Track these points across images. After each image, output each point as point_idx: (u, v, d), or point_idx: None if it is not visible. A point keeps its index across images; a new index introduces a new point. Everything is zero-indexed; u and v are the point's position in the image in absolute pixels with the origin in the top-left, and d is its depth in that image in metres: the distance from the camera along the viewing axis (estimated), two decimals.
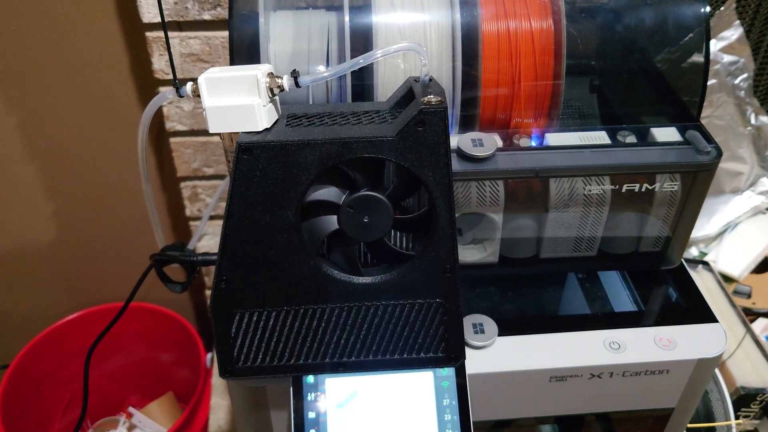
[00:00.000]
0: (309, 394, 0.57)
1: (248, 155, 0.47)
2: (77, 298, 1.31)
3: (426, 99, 0.47)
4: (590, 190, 0.61)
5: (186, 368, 1.37)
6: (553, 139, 0.62)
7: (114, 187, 1.20)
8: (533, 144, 0.62)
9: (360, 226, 0.51)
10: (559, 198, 0.61)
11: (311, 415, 0.56)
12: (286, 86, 0.49)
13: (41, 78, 1.05)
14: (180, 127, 0.99)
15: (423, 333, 0.54)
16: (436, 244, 0.51)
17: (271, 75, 0.49)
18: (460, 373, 0.57)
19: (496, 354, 0.60)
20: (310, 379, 0.57)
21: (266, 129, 0.49)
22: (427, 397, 0.57)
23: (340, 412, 0.57)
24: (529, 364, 0.60)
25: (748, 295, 1.09)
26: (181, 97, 0.50)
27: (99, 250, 1.28)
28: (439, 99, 0.47)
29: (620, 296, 0.70)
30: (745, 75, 1.11)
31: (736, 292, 1.09)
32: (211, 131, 0.49)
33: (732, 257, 1.13)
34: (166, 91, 0.52)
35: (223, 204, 1.09)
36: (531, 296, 0.71)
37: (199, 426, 1.19)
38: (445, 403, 0.57)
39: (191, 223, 1.11)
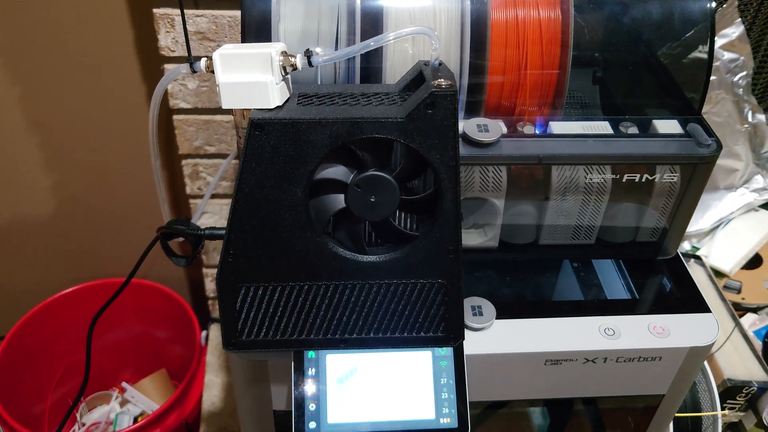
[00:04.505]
0: (310, 368, 0.58)
1: (260, 131, 0.48)
2: (74, 273, 1.32)
3: (436, 82, 0.48)
4: (591, 179, 0.62)
5: (180, 346, 1.38)
6: (557, 127, 0.63)
7: (114, 162, 1.20)
8: (537, 132, 0.63)
9: (366, 206, 0.52)
10: (560, 185, 0.62)
11: (311, 389, 0.57)
12: (299, 65, 0.50)
13: (44, 51, 1.05)
14: (184, 105, 0.99)
15: (424, 312, 0.56)
16: (441, 226, 0.52)
17: (284, 53, 0.49)
18: (458, 353, 0.58)
19: (494, 336, 0.61)
20: (312, 354, 0.58)
21: (278, 106, 0.50)
22: (425, 375, 0.58)
23: (339, 387, 0.58)
24: (525, 347, 0.61)
25: (738, 291, 1.11)
26: (194, 72, 0.51)
27: (97, 225, 1.28)
28: (450, 82, 0.48)
29: (615, 284, 0.72)
30: (744, 73, 1.13)
31: (726, 287, 1.11)
32: (224, 107, 0.49)
33: (724, 253, 1.15)
34: (180, 66, 0.52)
35: (224, 183, 1.10)
36: (529, 281, 0.72)
37: (192, 402, 1.21)
38: (442, 382, 0.58)
39: (191, 201, 1.11)
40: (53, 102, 1.12)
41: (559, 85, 0.63)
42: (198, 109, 1.00)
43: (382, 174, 0.51)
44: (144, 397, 1.45)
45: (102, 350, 1.43)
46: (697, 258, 1.12)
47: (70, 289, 1.29)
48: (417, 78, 0.53)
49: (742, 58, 1.11)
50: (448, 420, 0.58)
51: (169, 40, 0.92)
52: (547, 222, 0.65)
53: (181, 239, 0.63)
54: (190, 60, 0.51)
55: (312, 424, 0.57)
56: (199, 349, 1.25)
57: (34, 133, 1.15)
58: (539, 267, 0.73)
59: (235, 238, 0.52)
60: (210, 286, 1.24)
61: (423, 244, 0.53)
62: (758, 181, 1.20)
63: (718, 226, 1.19)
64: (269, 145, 0.49)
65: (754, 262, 1.16)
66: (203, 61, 0.51)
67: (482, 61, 0.62)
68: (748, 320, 1.06)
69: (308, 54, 0.50)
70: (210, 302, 1.27)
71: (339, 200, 0.53)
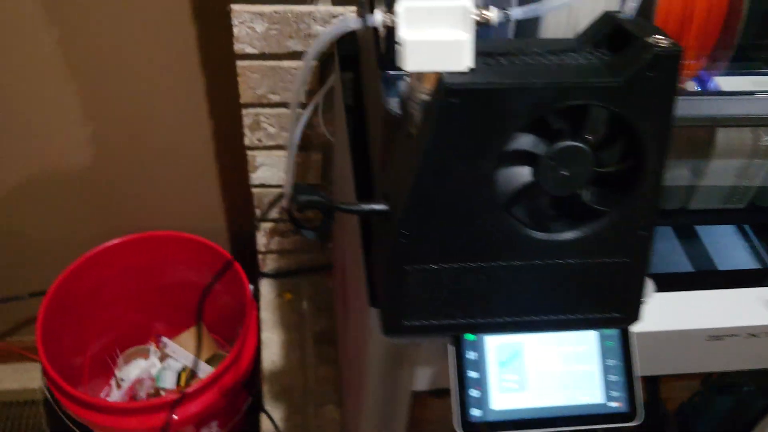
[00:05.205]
0: (470, 352, 0.53)
1: (457, 98, 0.42)
2: (114, 225, 1.25)
3: (655, 39, 0.42)
4: (761, 141, 0.57)
5: (223, 300, 1.34)
6: (725, 83, 0.57)
7: (154, 111, 1.12)
8: (698, 88, 0.58)
9: (557, 179, 0.46)
10: (726, 148, 0.57)
11: (473, 374, 0.53)
12: (495, 20, 0.43)
13: None
14: (250, 50, 0.91)
15: (602, 292, 0.51)
16: (638, 201, 0.47)
17: (479, 7, 0.43)
18: (626, 332, 0.54)
19: (654, 312, 0.57)
20: (472, 336, 0.53)
21: (471, 69, 0.43)
22: (591, 356, 0.54)
23: (502, 371, 0.54)
24: (686, 323, 0.57)
25: None
26: (367, 27, 0.44)
27: (137, 176, 1.21)
28: (672, 40, 0.42)
29: (741, 252, 0.68)
30: None
31: None
32: (407, 69, 0.43)
33: None
34: (348, 19, 0.45)
35: (285, 133, 1.02)
36: (680, 250, 0.68)
37: (247, 361, 1.17)
38: (610, 364, 0.54)
39: (249, 152, 1.04)
40: (94, 46, 1.03)
41: (727, 35, 0.57)
42: (265, 55, 0.92)
43: (579, 145, 0.45)
44: (184, 351, 1.41)
45: (139, 304, 1.38)
46: None
47: (113, 242, 1.23)
48: (613, 33, 0.47)
49: None
50: (618, 404, 0.54)
51: None
52: (704, 183, 0.60)
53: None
54: (365, 10, 0.44)
55: (476, 412, 0.53)
56: (250, 305, 1.20)
57: (71, 80, 1.06)
58: (691, 233, 0.68)
59: (412, 217, 0.46)
60: (262, 240, 1.19)
61: (614, 221, 0.48)
62: None
63: None
64: (464, 113, 0.43)
65: None
66: (379, 13, 0.44)
67: (647, 12, 0.56)
68: None
69: (504, 7, 0.43)
70: (260, 257, 1.22)
71: (525, 173, 0.47)
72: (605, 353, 0.54)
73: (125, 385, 1.37)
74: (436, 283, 0.49)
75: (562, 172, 0.46)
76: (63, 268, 1.19)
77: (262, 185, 1.09)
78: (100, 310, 1.31)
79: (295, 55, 0.93)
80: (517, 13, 0.43)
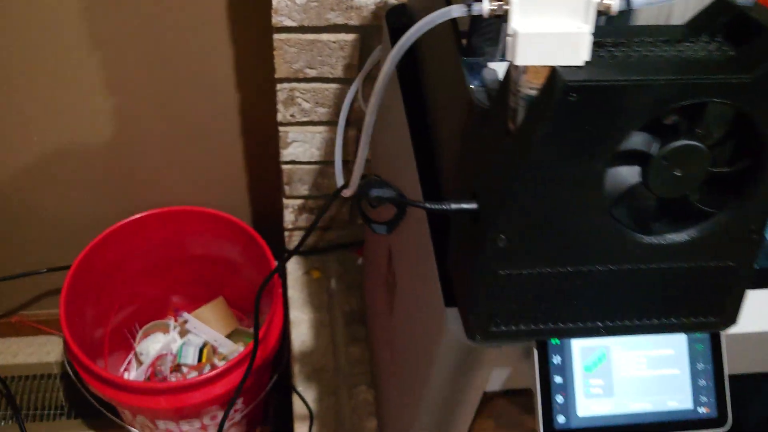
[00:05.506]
0: (555, 356, 0.51)
1: (575, 95, 0.39)
2: (136, 200, 1.22)
3: None
4: None
5: (245, 275, 1.32)
6: None
7: (181, 84, 1.07)
8: None
9: (669, 180, 0.43)
10: None
11: (558, 379, 0.51)
12: (615, 9, 0.39)
13: None
14: (288, 23, 0.87)
15: (701, 296, 0.48)
16: (752, 203, 0.44)
17: None
18: (717, 334, 0.52)
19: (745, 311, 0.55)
20: (556, 340, 0.51)
21: (587, 62, 0.40)
22: (680, 360, 0.52)
23: (588, 376, 0.51)
24: None
25: None
26: (471, 15, 0.40)
27: (159, 151, 1.17)
28: None
29: None
30: None
31: None
32: (518, 63, 0.39)
33: None
34: (450, 8, 0.41)
35: (320, 109, 0.98)
36: None
37: (274, 339, 1.14)
38: (699, 368, 0.52)
39: (281, 128, 1.00)
40: (116, 15, 0.98)
41: None
42: (304, 27, 0.88)
43: (697, 144, 0.42)
44: (205, 327, 1.39)
45: (159, 278, 1.36)
46: None
47: (136, 216, 1.20)
48: (733, 22, 0.43)
49: None
50: (707, 409, 0.52)
51: None
52: None
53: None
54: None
55: (561, 418, 0.50)
56: (276, 282, 1.17)
57: (93, 51, 1.01)
58: None
59: (509, 220, 0.43)
60: (289, 217, 1.15)
61: (724, 224, 0.45)
62: None
63: None
64: (581, 111, 0.39)
65: None
66: (486, 2, 0.40)
67: None
68: None
69: None
70: (287, 233, 1.19)
71: (633, 173, 0.44)
72: (694, 356, 0.52)
73: (146, 360, 1.34)
74: (529, 287, 0.47)
75: (675, 173, 0.43)
76: (82, 243, 1.16)
77: (293, 162, 1.06)
78: (121, 285, 1.29)
79: (336, 28, 0.88)
80: (639, 1, 0.39)
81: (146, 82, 1.06)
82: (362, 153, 0.55)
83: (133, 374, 1.37)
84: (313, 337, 1.11)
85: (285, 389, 1.15)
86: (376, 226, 0.55)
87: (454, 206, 0.47)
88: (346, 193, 0.59)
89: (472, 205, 0.46)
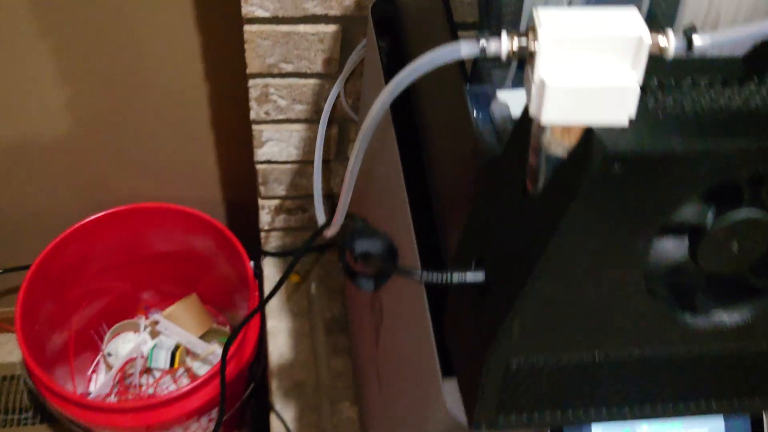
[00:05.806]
0: None
1: (620, 166, 0.30)
2: (97, 197, 1.12)
3: None
4: None
5: (217, 274, 1.24)
6: None
7: (139, 74, 0.97)
8: None
9: (723, 256, 0.35)
10: None
11: None
12: (671, 51, 0.31)
13: None
14: (261, 13, 0.77)
15: (747, 377, 0.41)
16: None
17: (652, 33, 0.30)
18: (758, 415, 0.45)
19: None
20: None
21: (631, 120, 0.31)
22: None
23: None
24: None
25: None
26: (484, 58, 0.31)
27: (120, 146, 1.07)
28: None
29: None
30: None
31: None
32: (544, 121, 0.31)
33: None
34: (456, 45, 0.32)
35: (298, 107, 0.89)
36: None
37: (251, 346, 1.07)
38: None
39: (254, 126, 0.91)
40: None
41: None
42: (278, 18, 0.78)
43: (762, 217, 0.34)
44: (177, 328, 1.31)
45: (126, 277, 1.27)
46: None
47: (98, 215, 1.12)
48: None
49: None
50: None
51: None
52: None
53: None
54: (484, 31, 0.31)
55: None
56: (253, 285, 1.09)
57: (43, 37, 0.91)
58: None
59: (531, 303, 0.35)
60: (266, 218, 1.07)
61: None
62: None
63: None
64: (624, 183, 0.31)
65: None
66: (506, 39, 0.31)
67: None
68: None
69: (689, 33, 0.30)
70: (263, 234, 1.10)
71: (680, 247, 0.36)
72: None
73: (115, 363, 1.26)
74: (548, 373, 0.39)
75: (732, 248, 0.35)
76: (41, 243, 1.08)
77: (269, 161, 0.96)
78: (85, 283, 1.21)
79: (314, 19, 0.78)
80: (703, 41, 0.31)
81: (104, 71, 0.96)
82: (347, 190, 0.46)
83: (101, 378, 1.29)
84: (291, 349, 1.03)
85: (264, 390, 1.08)
86: (363, 282, 0.47)
87: (455, 278, 0.39)
88: (328, 233, 0.51)
89: (479, 277, 0.38)
